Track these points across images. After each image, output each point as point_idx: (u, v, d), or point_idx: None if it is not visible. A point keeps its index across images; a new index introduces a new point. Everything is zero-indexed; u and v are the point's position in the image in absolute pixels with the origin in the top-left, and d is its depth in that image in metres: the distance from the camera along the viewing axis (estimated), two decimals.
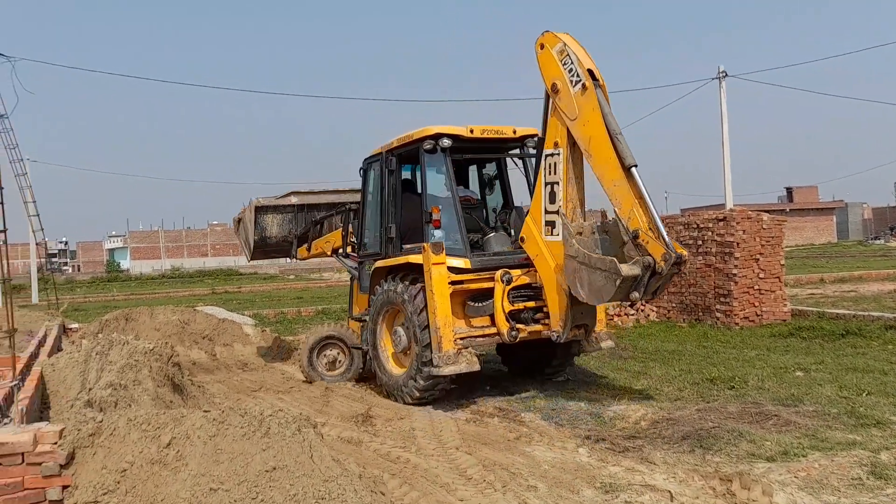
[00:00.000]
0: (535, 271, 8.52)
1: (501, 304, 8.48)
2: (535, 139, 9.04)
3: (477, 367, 8.35)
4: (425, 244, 8.50)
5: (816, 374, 9.20)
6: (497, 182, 10.10)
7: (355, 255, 10.63)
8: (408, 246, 9.12)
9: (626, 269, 7.26)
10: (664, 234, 7.35)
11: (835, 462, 5.90)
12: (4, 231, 5.14)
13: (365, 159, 10.06)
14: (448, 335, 8.26)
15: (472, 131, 9.03)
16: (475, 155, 9.71)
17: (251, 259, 12.90)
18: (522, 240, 8.58)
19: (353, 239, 10.59)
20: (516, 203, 10.03)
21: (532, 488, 5.61)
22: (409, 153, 9.33)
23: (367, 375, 10.19)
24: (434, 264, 8.33)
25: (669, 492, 5.40)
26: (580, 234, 7.92)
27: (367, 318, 9.77)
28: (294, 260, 12.91)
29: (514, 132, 9.30)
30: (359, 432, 7.46)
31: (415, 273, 8.74)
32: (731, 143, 27.23)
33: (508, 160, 10.00)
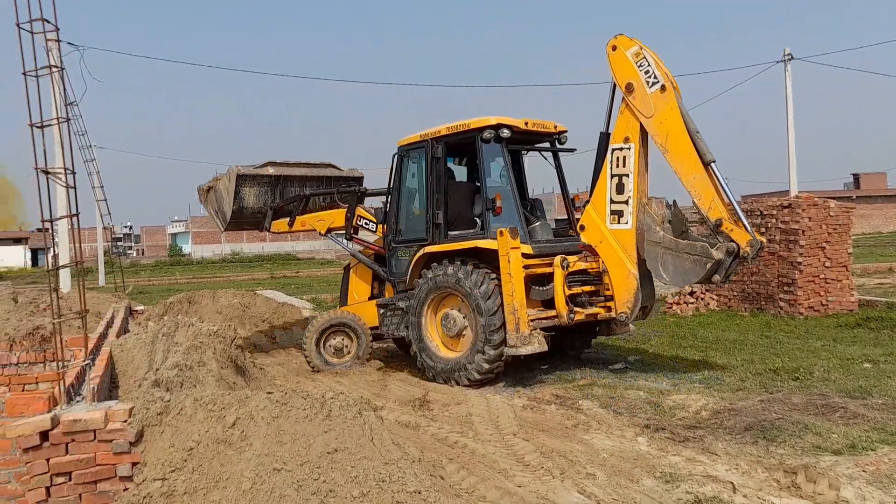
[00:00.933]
0: (588, 257, 9.02)
1: (563, 288, 8.70)
2: (566, 134, 10.00)
3: (546, 348, 8.62)
4: (502, 229, 8.65)
5: (885, 365, 8.92)
6: (520, 174, 10.32)
7: (359, 238, 10.78)
8: (453, 233, 9.41)
9: (716, 254, 8.00)
10: (746, 222, 8.14)
11: None
12: (76, 215, 5.29)
13: (400, 146, 10.07)
14: (524, 317, 8.53)
15: (526, 123, 9.45)
16: (523, 147, 9.99)
17: (225, 230, 12.01)
18: (582, 228, 9.04)
19: (361, 223, 10.62)
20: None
21: (590, 476, 5.57)
22: (462, 141, 9.53)
23: (368, 358, 10.50)
24: (512, 248, 8.58)
25: (732, 483, 5.31)
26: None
27: (395, 302, 9.96)
28: (265, 232, 12.12)
29: (555, 127, 9.84)
30: (416, 416, 7.51)
31: (475, 258, 8.95)
32: (797, 128, 26.51)
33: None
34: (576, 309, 8.89)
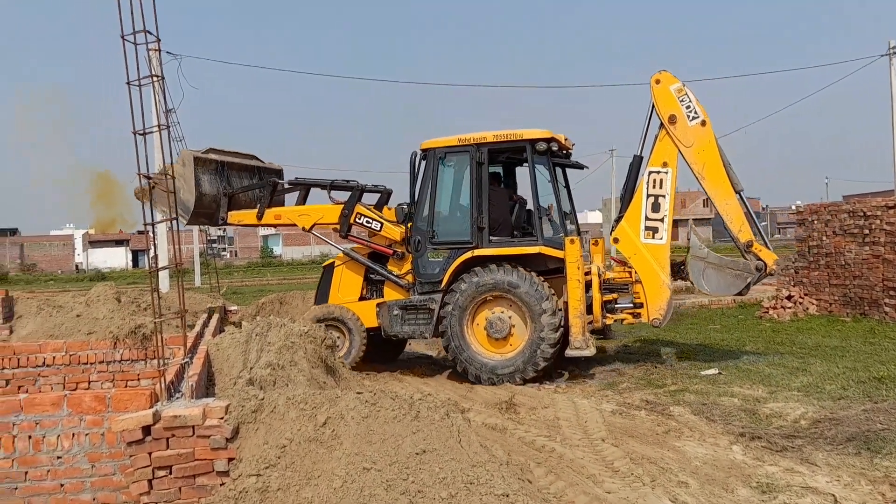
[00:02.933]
0: (615, 268, 10.13)
1: (600, 294, 9.61)
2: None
3: (594, 352, 9.40)
4: (574, 238, 9.43)
5: None
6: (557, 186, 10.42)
7: (355, 237, 10.62)
8: (495, 238, 9.72)
9: (755, 271, 9.43)
10: (769, 245, 9.71)
11: None
12: (176, 218, 5.51)
13: (430, 148, 10.03)
14: (584, 322, 9.28)
15: (565, 140, 10.23)
16: (558, 160, 10.23)
17: (189, 223, 10.98)
18: (616, 240, 9.92)
19: (362, 221, 10.36)
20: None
21: (683, 484, 5.43)
22: (509, 150, 10.10)
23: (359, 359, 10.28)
24: (580, 257, 9.33)
25: (833, 496, 5.09)
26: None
27: (422, 303, 9.92)
28: (221, 225, 11.30)
29: (572, 144, 10.68)
30: (503, 419, 7.48)
31: (527, 263, 9.50)
32: None
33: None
34: (607, 314, 9.72)
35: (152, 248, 7.33)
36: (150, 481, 4.39)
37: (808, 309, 14.47)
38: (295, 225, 10.99)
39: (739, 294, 9.89)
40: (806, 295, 14.71)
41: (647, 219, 9.67)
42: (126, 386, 7.83)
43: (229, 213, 10.97)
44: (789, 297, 14.66)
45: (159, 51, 5.21)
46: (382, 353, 11.22)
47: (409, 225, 10.16)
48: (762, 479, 5.51)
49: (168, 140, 5.27)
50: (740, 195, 9.64)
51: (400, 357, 12.03)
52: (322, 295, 10.86)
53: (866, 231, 13.41)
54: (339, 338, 10.20)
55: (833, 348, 10.70)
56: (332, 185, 10.83)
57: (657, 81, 9.74)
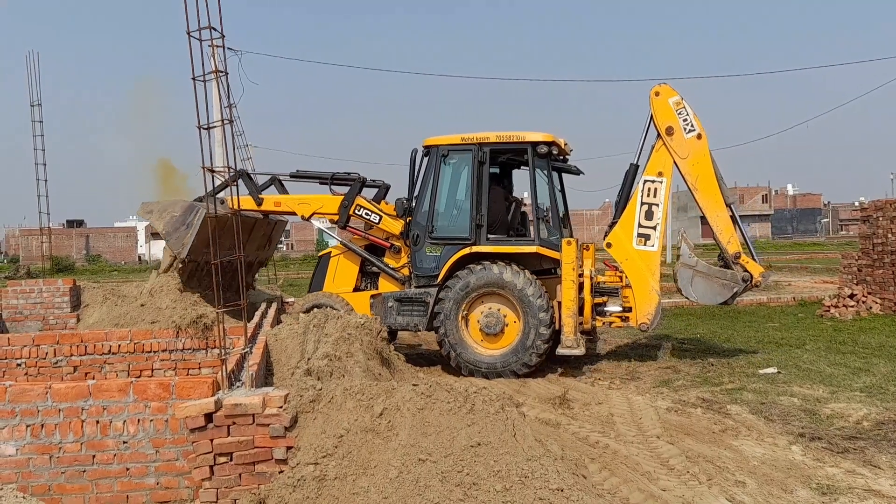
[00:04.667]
0: (606, 272, 10.26)
1: (591, 297, 9.72)
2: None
3: (584, 351, 9.55)
4: (569, 239, 9.58)
5: None
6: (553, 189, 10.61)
7: (353, 228, 10.62)
8: (492, 236, 9.93)
9: (742, 281, 9.69)
10: (756, 257, 9.96)
11: None
12: (238, 212, 5.63)
13: (432, 144, 10.12)
14: (576, 322, 9.48)
15: (565, 144, 10.44)
16: (556, 163, 10.46)
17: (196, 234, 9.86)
18: (609, 245, 10.05)
19: (361, 213, 10.39)
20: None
21: (740, 484, 5.36)
22: (510, 151, 10.28)
23: None
24: (576, 258, 9.52)
25: None
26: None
27: (418, 296, 10.02)
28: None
29: (571, 149, 10.89)
30: (556, 414, 7.47)
31: (522, 262, 9.72)
32: None
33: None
34: (596, 316, 9.90)
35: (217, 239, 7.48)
36: (211, 467, 4.52)
37: (871, 308, 14.07)
38: (294, 213, 11.06)
39: (725, 304, 10.12)
40: (869, 294, 14.31)
41: (640, 226, 9.92)
42: (187, 374, 8.05)
43: (227, 199, 10.47)
44: (852, 296, 14.28)
45: (224, 47, 5.29)
46: None
47: (408, 219, 10.28)
48: (822, 480, 5.41)
49: (232, 135, 5.39)
50: (730, 207, 9.94)
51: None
52: (317, 284, 10.94)
53: None
54: None
55: None
56: (333, 178, 10.92)
57: (656, 94, 9.98)
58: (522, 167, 10.70)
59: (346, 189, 10.73)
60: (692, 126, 9.86)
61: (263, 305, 10.46)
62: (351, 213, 10.56)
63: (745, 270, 9.75)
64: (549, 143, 9.86)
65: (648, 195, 9.95)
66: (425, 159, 10.25)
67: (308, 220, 10.99)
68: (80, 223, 78.56)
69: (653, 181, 9.95)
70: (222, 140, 5.02)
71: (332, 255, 10.99)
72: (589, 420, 7.30)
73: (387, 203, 10.75)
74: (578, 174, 11.16)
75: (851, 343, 11.02)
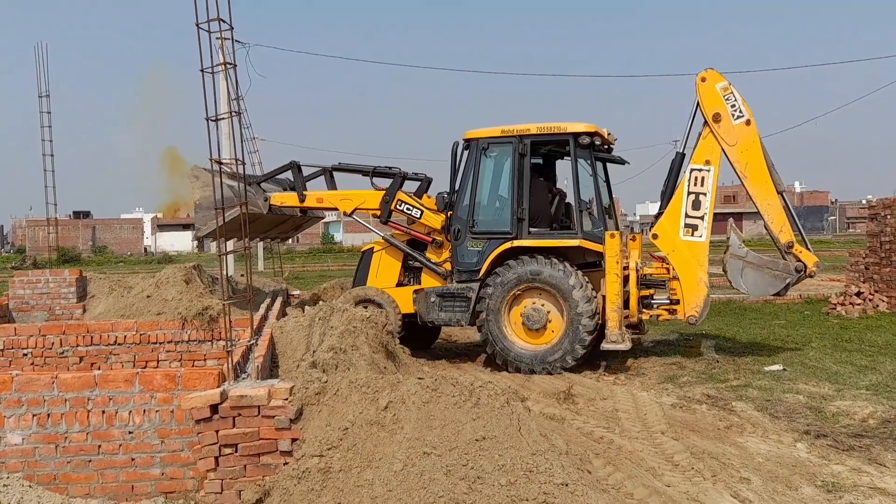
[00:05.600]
0: (653, 264, 10.03)
1: (637, 289, 9.55)
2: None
3: (630, 346, 9.47)
4: (613, 232, 9.43)
5: None
6: (597, 180, 10.43)
7: (395, 223, 10.56)
8: (534, 229, 9.80)
9: (794, 272, 9.45)
10: (810, 247, 9.66)
11: None
12: (245, 203, 5.63)
13: (473, 138, 10.05)
14: (621, 316, 9.33)
15: (608, 134, 10.25)
16: (599, 154, 10.23)
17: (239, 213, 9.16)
18: (655, 237, 9.83)
19: (403, 207, 10.34)
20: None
21: (745, 480, 5.35)
22: (552, 143, 10.11)
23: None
24: (620, 251, 9.38)
25: None
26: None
27: (461, 291, 9.92)
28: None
29: (615, 139, 10.68)
30: (561, 409, 7.47)
31: (566, 255, 9.61)
32: None
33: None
34: (643, 309, 9.71)
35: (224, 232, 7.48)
36: (216, 458, 4.53)
37: (878, 306, 14.02)
38: (336, 209, 11.11)
39: (777, 294, 9.91)
40: (876, 292, 14.26)
41: (686, 216, 9.67)
42: (193, 366, 8.05)
43: (272, 195, 10.85)
44: (859, 294, 14.23)
45: (232, 39, 5.27)
46: (417, 339, 11.24)
47: (449, 214, 10.21)
48: (828, 478, 5.40)
49: (240, 127, 5.39)
50: (782, 195, 9.65)
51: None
52: (360, 279, 10.94)
53: None
54: None
55: None
56: (374, 172, 10.89)
57: (703, 80, 9.74)
58: (565, 158, 10.51)
59: (387, 183, 10.69)
60: (741, 112, 9.59)
61: (269, 298, 10.48)
62: (392, 207, 10.52)
63: (799, 260, 9.50)
64: (592, 134, 9.69)
65: (696, 184, 9.69)
66: (465, 153, 10.15)
67: (350, 215, 11.07)
68: (86, 214, 78.66)
69: (700, 170, 9.70)
70: (229, 132, 5.02)
71: (374, 250, 11.01)
72: (594, 415, 7.29)
73: (429, 197, 10.69)
74: (623, 164, 10.94)
75: (858, 341, 10.99)
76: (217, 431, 4.54)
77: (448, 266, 10.23)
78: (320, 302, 9.23)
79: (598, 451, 6.00)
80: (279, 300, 10.53)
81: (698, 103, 9.73)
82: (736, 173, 9.69)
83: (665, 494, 5.08)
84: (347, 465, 4.27)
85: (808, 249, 9.61)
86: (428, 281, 10.44)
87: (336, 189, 11.22)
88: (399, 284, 10.69)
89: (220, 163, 5.06)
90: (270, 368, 6.30)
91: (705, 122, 9.68)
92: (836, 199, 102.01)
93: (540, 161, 10.79)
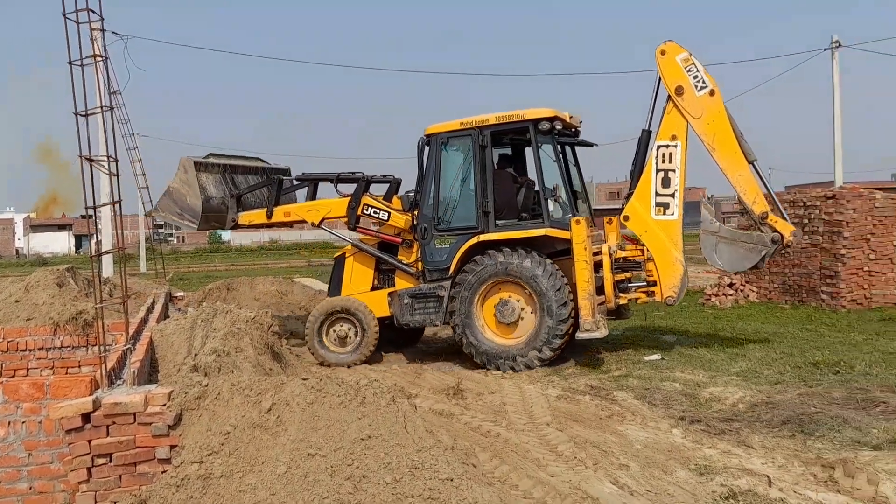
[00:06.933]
0: (628, 246, 9.83)
1: (611, 274, 9.39)
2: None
3: (606, 333, 9.23)
4: (579, 218, 9.17)
5: None
6: (567, 165, 10.32)
7: (363, 228, 10.52)
8: (501, 221, 9.58)
9: (769, 243, 9.25)
10: (786, 215, 9.47)
11: None
12: (119, 202, 5.39)
13: (433, 133, 9.94)
14: (595, 303, 9.11)
15: (570, 117, 9.93)
16: (565, 139, 9.98)
17: (199, 228, 10.69)
18: (626, 218, 9.69)
19: (369, 212, 10.25)
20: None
21: (624, 467, 5.55)
22: (512, 131, 9.86)
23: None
24: (587, 237, 9.15)
25: (767, 476, 5.25)
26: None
27: (432, 291, 9.81)
28: (231, 227, 11.22)
29: (580, 121, 10.44)
30: (450, 405, 7.54)
31: (535, 245, 9.41)
32: (843, 118, 25.86)
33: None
34: (619, 294, 9.51)
35: (95, 232, 7.18)
36: (89, 469, 4.32)
37: (748, 296, 14.85)
38: (305, 221, 10.95)
39: (755, 268, 9.80)
40: (747, 282, 15.08)
41: (657, 194, 9.50)
42: (66, 373, 7.66)
43: (239, 214, 10.97)
44: (731, 285, 15.01)
45: (103, 30, 5.04)
46: (401, 339, 11.28)
47: (414, 213, 10.06)
48: (700, 461, 5.66)
49: (112, 122, 5.15)
50: (754, 165, 9.49)
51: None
52: (335, 286, 10.81)
53: (805, 221, 13.79)
54: (350, 329, 10.12)
55: (772, 334, 11.01)
56: (338, 178, 10.76)
57: (662, 52, 9.55)
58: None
59: (352, 189, 10.48)
60: (703, 82, 9.36)
61: (150, 300, 10.10)
62: (359, 213, 10.32)
63: (775, 230, 9.32)
64: (552, 119, 9.44)
65: (663, 161, 9.50)
66: (426, 149, 9.96)
67: (319, 225, 10.83)
68: None
69: (667, 146, 9.50)
70: (105, 127, 4.80)
71: (346, 255, 10.78)
72: (482, 409, 7.40)
73: (398, 198, 10.51)
74: (591, 146, 10.77)
75: (730, 330, 11.60)
76: (90, 441, 4.33)
77: (420, 266, 10.07)
78: (203, 304, 8.98)
79: (485, 445, 6.09)
80: (161, 302, 10.17)
81: (660, 77, 9.56)
82: (704, 146, 9.47)
83: (549, 484, 5.20)
84: (229, 471, 4.16)
85: (785, 219, 9.48)
86: (402, 282, 10.27)
87: (316, 199, 11.05)
88: (374, 288, 10.52)
89: (90, 159, 4.83)
90: (150, 373, 6.08)
91: (668, 96, 9.53)
92: (711, 195, 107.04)
93: (508, 151, 10.66)
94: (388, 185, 10.78)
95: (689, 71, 9.40)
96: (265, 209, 10.88)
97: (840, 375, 8.17)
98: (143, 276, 27.97)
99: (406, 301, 9.97)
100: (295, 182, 11.35)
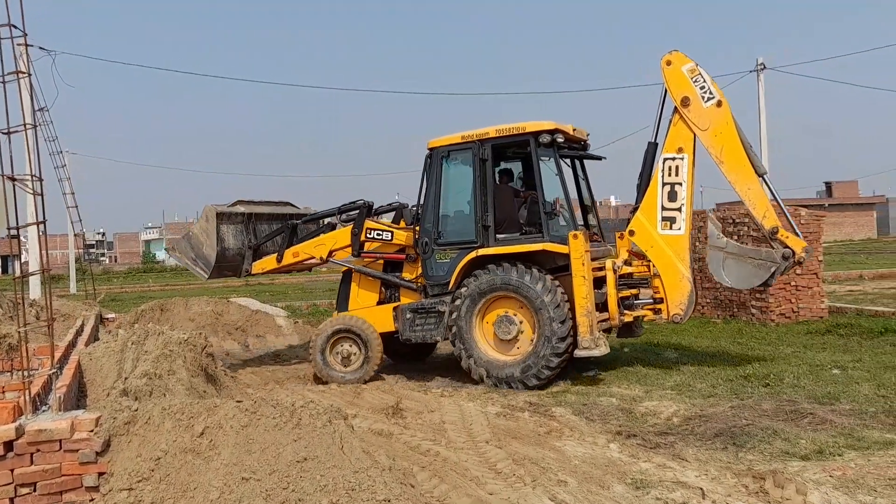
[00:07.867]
0: (633, 262, 9.51)
1: (615, 290, 9.18)
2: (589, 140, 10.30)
3: (607, 351, 8.97)
4: (576, 232, 8.99)
5: (854, 372, 9.04)
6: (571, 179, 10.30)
7: (368, 252, 10.38)
8: (501, 236, 9.50)
9: (779, 259, 8.89)
10: (798, 231, 9.17)
11: (871, 462, 5.81)
12: (44, 222, 5.23)
13: (435, 147, 9.88)
14: (594, 320, 8.86)
15: (573, 130, 9.72)
16: (568, 152, 9.91)
17: (210, 277, 10.88)
18: (632, 233, 9.44)
19: (372, 235, 10.19)
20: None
21: (562, 483, 5.59)
22: (513, 144, 9.75)
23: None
24: (586, 251, 8.92)
25: (701, 489, 5.35)
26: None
27: (432, 306, 9.71)
28: (245, 276, 11.38)
29: (587, 134, 10.22)
30: (389, 424, 7.48)
31: (536, 260, 9.21)
32: (769, 137, 26.81)
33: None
34: (624, 311, 9.33)
35: (20, 253, 6.94)
36: (11, 500, 4.15)
37: None
38: (313, 258, 10.87)
39: (764, 285, 9.45)
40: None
41: (663, 209, 9.25)
42: None
43: (253, 264, 11.11)
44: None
45: (26, 45, 4.89)
46: (412, 353, 11.27)
47: (416, 227, 9.94)
48: (636, 475, 5.74)
49: (35, 140, 5.00)
50: (763, 179, 9.25)
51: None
52: (342, 302, 10.72)
53: (735, 237, 14.14)
54: (353, 348, 10.00)
55: (704, 348, 11.27)
56: (340, 211, 10.79)
57: (668, 63, 9.33)
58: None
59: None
60: (710, 93, 9.11)
61: (79, 322, 9.81)
62: (363, 239, 10.21)
63: (786, 246, 8.99)
64: (553, 132, 9.26)
65: (670, 174, 9.25)
66: (428, 161, 9.85)
67: (328, 260, 10.73)
68: None
69: (673, 159, 9.26)
70: (28, 145, 4.63)
71: (353, 271, 10.64)
72: (421, 428, 7.37)
73: (404, 220, 10.50)
74: (599, 160, 10.56)
75: (665, 344, 11.82)
76: (12, 470, 4.16)
77: (422, 280, 9.95)
78: (135, 325, 8.76)
79: (425, 464, 6.06)
80: (90, 325, 9.87)
81: (666, 88, 9.34)
82: (712, 159, 9.20)
83: (488, 503, 5.20)
84: (160, 498, 4.05)
85: (797, 234, 9.22)
86: (406, 297, 10.17)
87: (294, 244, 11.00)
88: (380, 302, 10.39)
89: (13, 179, 4.68)
90: (78, 398, 5.88)
91: (675, 108, 9.32)
92: (712, 210, 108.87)
93: (511, 165, 10.55)
94: (393, 212, 10.82)
95: (695, 81, 9.20)
96: (275, 255, 10.96)
97: (770, 388, 8.39)
98: (72, 297, 27.11)
99: (408, 316, 9.92)
100: (300, 225, 11.31)
